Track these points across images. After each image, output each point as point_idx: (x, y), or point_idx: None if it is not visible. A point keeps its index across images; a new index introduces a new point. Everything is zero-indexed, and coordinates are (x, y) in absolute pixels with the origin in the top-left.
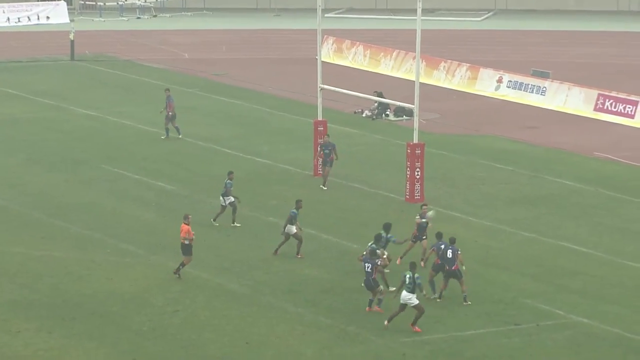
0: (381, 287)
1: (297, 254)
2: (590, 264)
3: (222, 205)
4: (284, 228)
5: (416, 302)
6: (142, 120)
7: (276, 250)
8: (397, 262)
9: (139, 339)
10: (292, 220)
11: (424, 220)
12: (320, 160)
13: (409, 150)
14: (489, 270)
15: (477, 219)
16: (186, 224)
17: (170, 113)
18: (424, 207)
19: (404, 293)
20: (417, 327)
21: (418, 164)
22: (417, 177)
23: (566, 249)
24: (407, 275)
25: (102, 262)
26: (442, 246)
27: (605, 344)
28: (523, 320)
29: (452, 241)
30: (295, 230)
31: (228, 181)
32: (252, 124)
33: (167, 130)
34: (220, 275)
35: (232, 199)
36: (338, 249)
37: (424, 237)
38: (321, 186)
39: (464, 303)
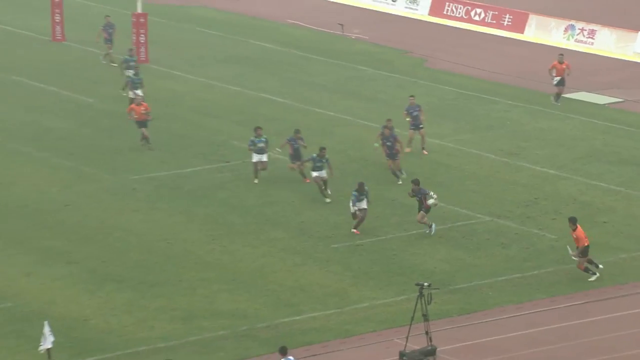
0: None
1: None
2: (284, 111)
3: None
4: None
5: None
6: None
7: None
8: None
9: None
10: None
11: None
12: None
13: (134, 19)
14: (203, 119)
15: (194, 76)
16: None
17: None
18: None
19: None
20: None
21: (142, 31)
22: (142, 41)
23: (266, 100)
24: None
25: None
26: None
27: (297, 174)
28: (232, 158)
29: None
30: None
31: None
32: None
33: None
34: None
35: None
36: (77, 102)
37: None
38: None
39: None
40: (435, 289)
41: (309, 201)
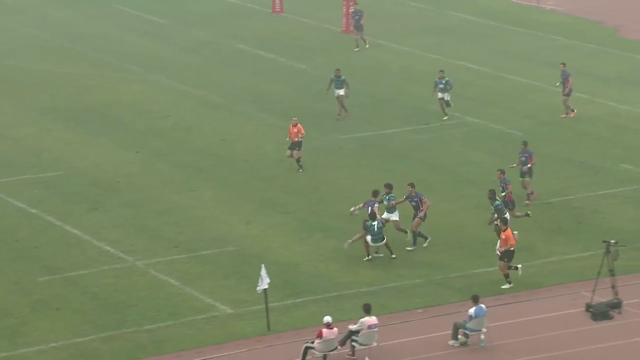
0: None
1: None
2: (480, 78)
3: None
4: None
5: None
6: None
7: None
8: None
9: (140, 136)
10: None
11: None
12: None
13: None
14: (405, 84)
15: (397, 45)
16: None
17: None
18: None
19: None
20: None
21: (352, 3)
22: (352, 12)
23: (462, 67)
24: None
25: (111, 78)
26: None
27: (490, 137)
28: (430, 121)
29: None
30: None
31: None
32: None
33: None
34: (201, 88)
35: None
36: (292, 68)
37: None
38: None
39: None
40: (622, 246)
41: (501, 162)
